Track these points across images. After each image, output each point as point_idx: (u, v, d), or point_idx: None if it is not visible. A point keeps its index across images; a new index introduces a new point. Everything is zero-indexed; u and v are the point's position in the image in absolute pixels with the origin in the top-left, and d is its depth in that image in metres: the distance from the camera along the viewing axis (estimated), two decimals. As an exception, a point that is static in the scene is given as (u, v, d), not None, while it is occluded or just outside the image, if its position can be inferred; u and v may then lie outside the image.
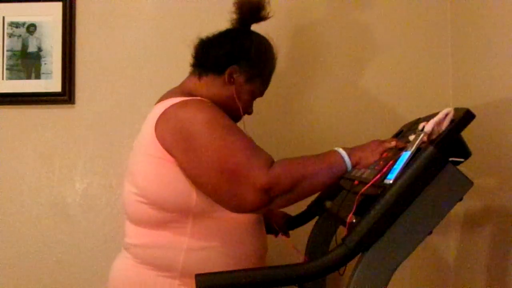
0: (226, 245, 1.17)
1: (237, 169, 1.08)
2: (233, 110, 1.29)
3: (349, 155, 1.14)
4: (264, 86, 1.35)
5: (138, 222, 1.20)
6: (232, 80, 1.27)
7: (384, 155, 1.13)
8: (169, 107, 1.16)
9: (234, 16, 1.32)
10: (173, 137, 1.12)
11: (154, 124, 1.15)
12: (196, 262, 1.15)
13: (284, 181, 1.08)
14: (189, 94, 1.24)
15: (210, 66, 1.28)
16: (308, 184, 1.11)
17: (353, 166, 1.13)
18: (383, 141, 1.15)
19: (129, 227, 1.24)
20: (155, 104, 1.27)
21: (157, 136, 1.14)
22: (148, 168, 1.17)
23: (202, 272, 1.12)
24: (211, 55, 1.28)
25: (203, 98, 1.20)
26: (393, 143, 1.11)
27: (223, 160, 1.09)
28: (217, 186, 1.10)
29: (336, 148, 1.15)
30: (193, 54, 1.32)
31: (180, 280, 1.16)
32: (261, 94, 1.36)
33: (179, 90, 1.27)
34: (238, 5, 1.30)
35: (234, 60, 1.26)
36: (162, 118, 1.15)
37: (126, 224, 1.25)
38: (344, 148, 1.16)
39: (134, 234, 1.22)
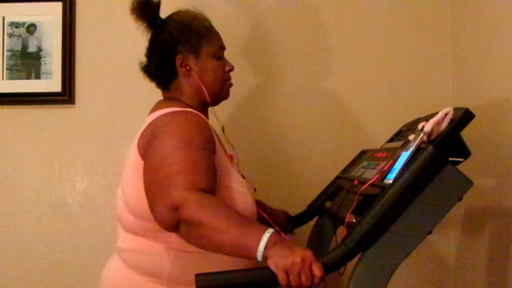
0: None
1: (162, 181, 1.02)
2: (213, 89, 1.29)
3: (267, 246, 0.92)
4: (214, 43, 1.30)
5: (126, 228, 1.21)
6: (187, 67, 1.26)
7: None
8: (157, 117, 1.17)
9: (139, 24, 1.31)
10: (146, 144, 1.13)
11: (140, 134, 1.16)
12: (182, 269, 1.14)
13: (190, 210, 0.97)
14: (177, 100, 1.26)
15: (164, 76, 1.28)
16: (207, 233, 0.96)
17: (263, 260, 0.93)
18: (310, 264, 0.91)
19: (120, 231, 1.25)
20: (148, 114, 1.27)
21: (138, 146, 1.15)
22: (130, 179, 1.17)
23: (188, 278, 1.10)
24: (155, 72, 1.29)
25: (192, 110, 1.19)
26: (318, 274, 0.90)
27: (159, 169, 1.05)
28: (148, 191, 1.07)
29: (267, 232, 0.94)
30: (149, 80, 1.33)
31: (167, 286, 1.15)
32: (220, 49, 1.32)
33: (166, 101, 1.28)
34: (132, 13, 1.29)
35: (173, 54, 1.26)
36: (148, 128, 1.16)
37: (119, 228, 1.25)
38: (271, 237, 0.93)
39: (123, 239, 1.22)
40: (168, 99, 1.29)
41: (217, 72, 1.30)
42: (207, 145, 1.13)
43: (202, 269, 1.12)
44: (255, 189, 1.33)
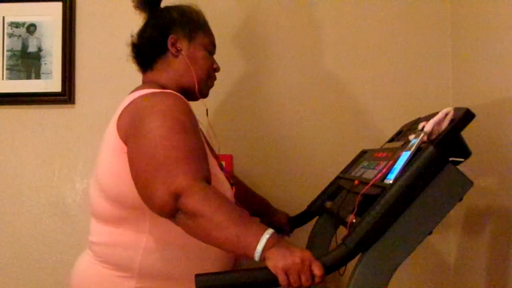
0: (186, 244, 1.11)
1: (162, 165, 0.99)
2: (198, 77, 1.27)
3: (265, 248, 0.91)
4: (208, 36, 1.32)
5: (100, 218, 1.19)
6: (178, 48, 1.26)
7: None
8: (136, 98, 1.14)
9: (139, 12, 1.31)
10: (128, 125, 1.09)
11: (118, 115, 1.14)
12: (153, 263, 1.13)
13: (194, 200, 0.95)
14: (156, 85, 1.23)
15: (152, 52, 1.27)
16: (207, 227, 0.94)
17: (261, 260, 0.92)
18: (310, 264, 0.91)
19: (93, 225, 1.22)
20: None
21: (117, 128, 1.12)
22: (108, 162, 1.14)
23: (159, 271, 1.13)
24: (145, 43, 1.27)
25: (175, 92, 1.16)
26: (318, 273, 0.90)
27: (156, 151, 1.01)
28: (139, 175, 1.03)
29: (266, 233, 0.93)
30: (133, 59, 1.32)
31: (137, 281, 1.13)
32: (212, 45, 1.33)
33: (145, 85, 1.25)
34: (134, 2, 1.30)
35: (167, 32, 1.26)
36: (126, 109, 1.13)
37: (91, 222, 1.23)
38: (270, 238, 0.92)
39: (96, 232, 1.20)
40: (147, 84, 1.25)
41: (206, 63, 1.30)
42: (196, 127, 1.13)
43: (172, 262, 1.13)
44: (232, 184, 1.32)
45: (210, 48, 1.32)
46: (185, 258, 1.14)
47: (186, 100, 1.16)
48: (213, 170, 1.17)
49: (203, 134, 1.29)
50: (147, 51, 1.27)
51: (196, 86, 1.27)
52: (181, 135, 1.04)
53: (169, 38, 1.25)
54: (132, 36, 1.31)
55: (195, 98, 1.31)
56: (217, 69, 1.35)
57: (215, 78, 1.35)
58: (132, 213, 1.12)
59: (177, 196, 0.96)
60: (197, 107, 1.34)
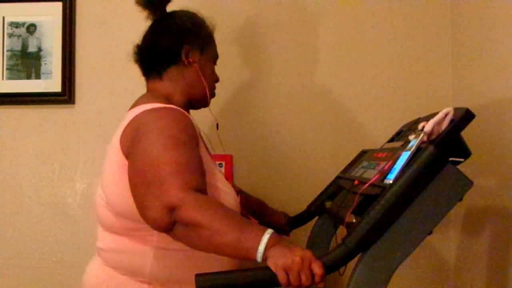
0: (192, 250, 1.07)
1: (154, 181, 1.00)
2: (203, 89, 1.29)
3: (266, 247, 0.91)
4: (215, 48, 1.35)
5: (105, 226, 1.19)
6: (190, 60, 1.26)
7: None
8: (139, 113, 1.14)
9: (144, 11, 1.29)
10: (130, 141, 1.10)
11: (122, 131, 1.14)
12: (163, 267, 1.13)
13: (189, 211, 0.95)
14: (161, 96, 1.24)
15: (166, 60, 1.26)
16: (207, 235, 0.94)
17: (263, 261, 0.93)
18: (310, 263, 0.90)
19: (99, 232, 1.22)
20: (129, 110, 1.25)
21: (120, 143, 1.12)
22: (112, 178, 1.14)
23: (169, 276, 1.13)
24: (161, 49, 1.26)
25: (176, 107, 1.17)
26: (318, 272, 0.90)
27: (150, 168, 1.02)
28: (136, 192, 1.04)
29: (266, 233, 0.93)
30: (140, 61, 1.31)
31: (149, 285, 1.14)
32: (217, 57, 1.37)
33: (150, 95, 1.26)
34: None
35: (183, 42, 1.26)
36: (129, 125, 1.14)
37: (98, 228, 1.23)
38: (271, 237, 0.92)
39: (103, 239, 1.20)
40: (152, 94, 1.26)
41: (212, 75, 1.34)
42: (193, 142, 1.12)
43: (183, 267, 1.13)
44: (238, 192, 1.32)
45: (216, 60, 1.36)
46: (193, 264, 1.13)
47: (187, 114, 1.17)
48: (217, 182, 1.18)
49: (205, 146, 1.29)
50: (161, 59, 1.27)
51: (208, 97, 1.31)
52: (174, 151, 1.04)
53: (184, 48, 1.26)
54: (136, 44, 1.31)
55: (198, 108, 1.34)
56: (217, 80, 1.37)
57: (215, 89, 1.37)
58: (138, 225, 1.11)
59: (170, 210, 0.96)
60: (205, 116, 1.34)
